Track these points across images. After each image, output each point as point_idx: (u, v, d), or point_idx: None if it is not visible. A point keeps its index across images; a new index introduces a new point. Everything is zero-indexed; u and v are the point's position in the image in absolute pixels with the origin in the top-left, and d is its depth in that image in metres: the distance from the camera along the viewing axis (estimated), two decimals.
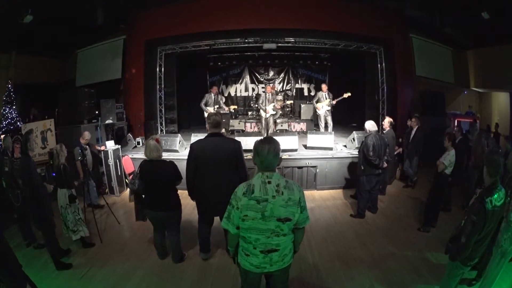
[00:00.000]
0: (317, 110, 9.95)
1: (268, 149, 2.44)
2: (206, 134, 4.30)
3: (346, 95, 9.33)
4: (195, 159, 4.09)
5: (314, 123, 12.01)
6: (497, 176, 2.96)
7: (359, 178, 6.29)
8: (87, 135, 6.58)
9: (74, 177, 5.52)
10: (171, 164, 4.27)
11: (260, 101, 9.74)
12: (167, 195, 4.22)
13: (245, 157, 4.19)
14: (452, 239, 3.23)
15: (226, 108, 10.06)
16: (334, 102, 9.46)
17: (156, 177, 4.20)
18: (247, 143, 7.75)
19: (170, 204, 4.28)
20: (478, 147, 6.45)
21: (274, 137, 2.61)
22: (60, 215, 4.95)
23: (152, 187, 4.25)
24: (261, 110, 9.84)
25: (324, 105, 9.64)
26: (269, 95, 9.63)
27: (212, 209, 4.21)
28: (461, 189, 6.83)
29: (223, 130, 10.36)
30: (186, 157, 4.26)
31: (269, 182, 2.44)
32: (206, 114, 9.47)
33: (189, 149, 4.20)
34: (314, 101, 10.00)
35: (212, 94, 9.55)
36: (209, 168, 4.06)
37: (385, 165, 6.21)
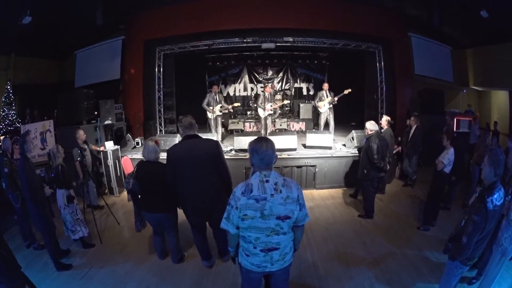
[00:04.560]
0: (319, 109, 9.95)
1: (266, 145, 2.46)
2: (205, 134, 4.20)
3: (346, 91, 9.31)
4: (174, 165, 3.87)
5: (313, 123, 12.01)
6: (500, 176, 2.97)
7: (362, 182, 6.23)
8: (81, 133, 6.54)
9: (73, 177, 5.51)
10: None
11: (259, 101, 9.76)
12: (162, 197, 4.18)
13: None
14: (451, 239, 3.22)
15: (230, 106, 10.08)
16: (336, 99, 9.46)
17: (151, 178, 4.18)
18: (246, 142, 7.74)
19: (165, 205, 4.27)
20: (481, 145, 6.47)
21: (274, 137, 2.62)
22: (60, 215, 4.97)
23: (148, 188, 4.23)
24: (259, 109, 9.85)
25: (326, 104, 9.64)
26: (268, 95, 9.65)
27: (198, 215, 4.09)
28: (461, 187, 6.84)
29: (222, 130, 10.49)
30: None
31: (267, 181, 2.45)
32: (209, 114, 9.50)
33: (166, 156, 3.93)
34: (316, 100, 10.00)
35: (213, 93, 9.53)
36: (189, 172, 3.85)
37: (388, 167, 6.16)
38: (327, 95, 9.61)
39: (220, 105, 9.58)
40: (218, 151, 3.95)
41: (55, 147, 4.93)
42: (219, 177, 3.95)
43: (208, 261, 4.52)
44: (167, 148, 7.98)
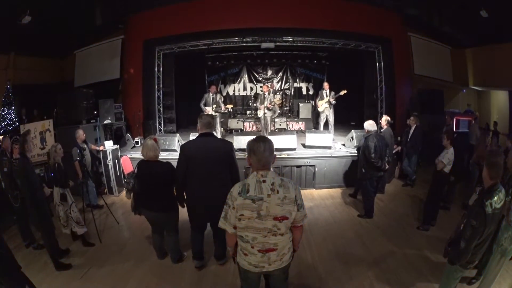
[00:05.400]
0: (317, 108, 9.94)
1: (264, 147, 2.44)
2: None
3: (342, 93, 9.29)
4: (187, 160, 3.92)
5: (313, 122, 12.01)
6: (498, 178, 2.93)
7: (361, 182, 6.24)
8: (81, 133, 6.53)
9: (71, 177, 5.49)
10: (167, 165, 4.19)
11: (258, 101, 9.78)
12: (163, 196, 4.18)
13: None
14: (451, 243, 3.20)
15: (224, 107, 10.05)
16: (332, 99, 9.45)
17: (152, 178, 4.16)
18: (246, 142, 7.73)
19: (165, 205, 4.25)
20: (481, 145, 6.46)
21: (273, 136, 2.61)
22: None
23: (148, 187, 4.21)
24: (257, 110, 9.88)
25: (323, 103, 9.63)
26: (265, 94, 9.64)
27: (205, 214, 4.07)
28: (461, 187, 6.84)
29: (222, 130, 10.47)
30: None
31: (264, 181, 2.43)
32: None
33: (179, 150, 4.00)
34: (317, 99, 10.00)
35: (211, 94, 9.51)
36: (201, 170, 3.89)
37: (387, 166, 6.16)
38: (326, 95, 9.60)
39: (215, 105, 9.53)
40: (232, 152, 4.04)
41: (54, 145, 4.94)
42: (230, 178, 3.96)
43: (199, 261, 4.47)
44: (166, 147, 8.06)
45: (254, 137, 2.63)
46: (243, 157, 7.47)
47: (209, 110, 9.34)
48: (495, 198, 2.84)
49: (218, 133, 9.74)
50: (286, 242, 2.57)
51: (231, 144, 4.13)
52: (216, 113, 9.55)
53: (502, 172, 3.01)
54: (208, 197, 3.90)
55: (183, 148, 4.02)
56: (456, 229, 3.22)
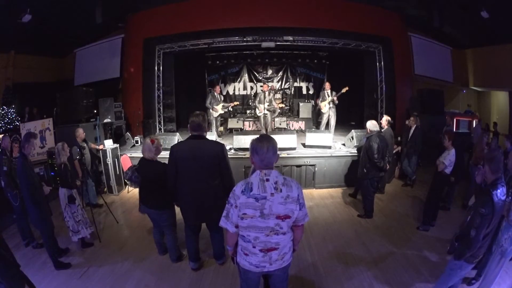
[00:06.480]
0: (321, 109, 9.93)
1: (267, 147, 2.41)
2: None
3: (344, 90, 9.29)
4: (176, 162, 3.87)
5: (313, 122, 12.00)
6: (500, 173, 2.97)
7: (361, 182, 6.24)
8: (81, 132, 6.52)
9: (75, 176, 5.48)
10: (162, 167, 4.19)
11: (257, 100, 9.80)
12: (158, 195, 4.19)
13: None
14: (457, 238, 3.20)
15: (231, 104, 10.17)
16: (335, 98, 9.44)
17: (148, 176, 4.21)
18: (246, 141, 7.76)
19: (160, 203, 4.26)
20: (479, 145, 6.46)
21: (273, 136, 2.58)
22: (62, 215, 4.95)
23: (146, 184, 4.27)
24: (256, 109, 9.87)
25: (326, 104, 9.62)
26: (265, 93, 9.63)
27: (195, 215, 4.05)
28: (460, 187, 6.84)
29: (222, 129, 10.48)
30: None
31: (267, 180, 2.42)
32: (212, 113, 9.54)
33: (169, 152, 3.95)
34: (319, 100, 9.98)
35: (216, 94, 9.67)
36: (190, 171, 3.84)
37: (388, 166, 6.15)
38: (328, 95, 9.59)
39: (222, 104, 9.63)
40: (223, 155, 3.91)
41: (61, 145, 4.90)
42: (221, 181, 3.90)
43: (195, 263, 4.45)
44: (165, 146, 8.04)
45: (255, 136, 2.61)
46: (243, 156, 7.52)
47: (218, 109, 9.44)
48: (499, 190, 2.90)
49: (213, 133, 9.65)
50: (287, 241, 2.56)
51: (222, 146, 4.02)
52: (222, 112, 9.64)
53: (502, 167, 3.03)
54: (198, 199, 3.89)
55: (172, 149, 3.96)
56: (461, 225, 3.22)
